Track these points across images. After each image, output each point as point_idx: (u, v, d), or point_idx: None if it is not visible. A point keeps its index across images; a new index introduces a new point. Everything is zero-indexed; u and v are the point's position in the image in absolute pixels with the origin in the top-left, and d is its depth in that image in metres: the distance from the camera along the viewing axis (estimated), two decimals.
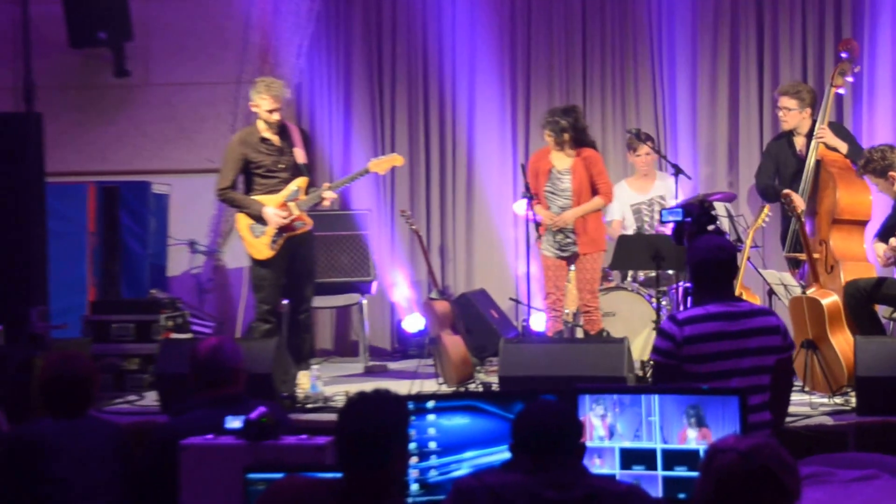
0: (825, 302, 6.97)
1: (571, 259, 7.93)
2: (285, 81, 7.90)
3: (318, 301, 8.45)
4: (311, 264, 7.99)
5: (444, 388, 7.51)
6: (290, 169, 7.76)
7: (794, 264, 7.94)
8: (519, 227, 9.52)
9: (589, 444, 4.15)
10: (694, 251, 5.27)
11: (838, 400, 6.79)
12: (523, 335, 8.68)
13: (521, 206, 8.35)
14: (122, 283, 9.27)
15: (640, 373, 7.33)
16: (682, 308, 7.51)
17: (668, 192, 8.52)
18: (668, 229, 7.42)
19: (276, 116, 7.68)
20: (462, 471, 4.18)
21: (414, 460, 4.16)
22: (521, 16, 9.97)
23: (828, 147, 7.83)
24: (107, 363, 7.83)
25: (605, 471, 4.19)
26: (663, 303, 7.84)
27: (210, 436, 4.46)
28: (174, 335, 8.14)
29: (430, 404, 4.24)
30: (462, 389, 7.43)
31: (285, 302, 7.96)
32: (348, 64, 10.11)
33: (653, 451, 4.18)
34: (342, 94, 10.11)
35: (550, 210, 7.90)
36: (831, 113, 8.21)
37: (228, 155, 7.82)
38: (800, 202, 7.62)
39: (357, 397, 3.59)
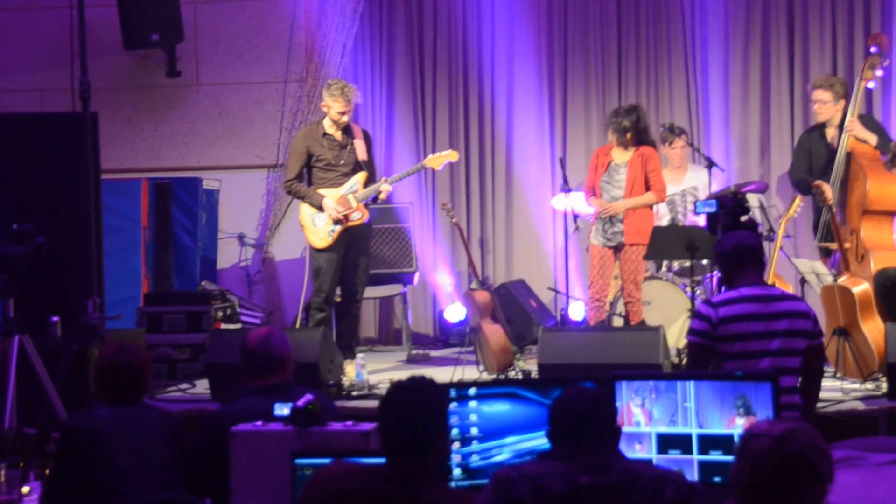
0: (856, 290, 7.01)
1: (617, 249, 8.00)
2: (355, 87, 8.06)
3: (364, 292, 8.56)
4: (365, 257, 8.13)
5: (485, 376, 7.56)
6: (351, 164, 7.97)
7: (825, 253, 7.95)
8: (557, 219, 9.62)
9: (628, 429, 4.22)
10: (720, 245, 5.48)
11: (869, 385, 6.82)
12: (562, 324, 8.71)
13: (559, 201, 8.42)
14: (174, 276, 9.40)
15: (676, 360, 7.36)
16: None
17: (701, 183, 8.58)
18: (701, 220, 7.52)
19: (345, 119, 7.90)
20: (503, 456, 4.25)
21: (456, 446, 4.23)
22: (559, 13, 10.02)
23: (857, 139, 7.80)
24: (160, 353, 7.94)
25: (643, 456, 4.25)
26: (698, 292, 7.86)
27: (259, 423, 4.50)
28: (224, 326, 8.30)
29: (472, 391, 4.29)
30: (502, 377, 7.47)
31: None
32: (390, 61, 10.19)
33: (688, 436, 4.25)
34: (384, 91, 10.19)
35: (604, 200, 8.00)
36: (861, 105, 8.20)
37: (293, 149, 8.11)
38: (830, 193, 7.61)
39: (397, 386, 3.65)
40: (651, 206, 8.11)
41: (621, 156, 8.06)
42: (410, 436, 3.54)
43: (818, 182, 7.72)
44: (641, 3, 9.93)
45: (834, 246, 7.64)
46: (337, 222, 7.88)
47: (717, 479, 4.19)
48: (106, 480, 4.51)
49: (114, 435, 4.58)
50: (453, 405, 4.27)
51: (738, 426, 4.19)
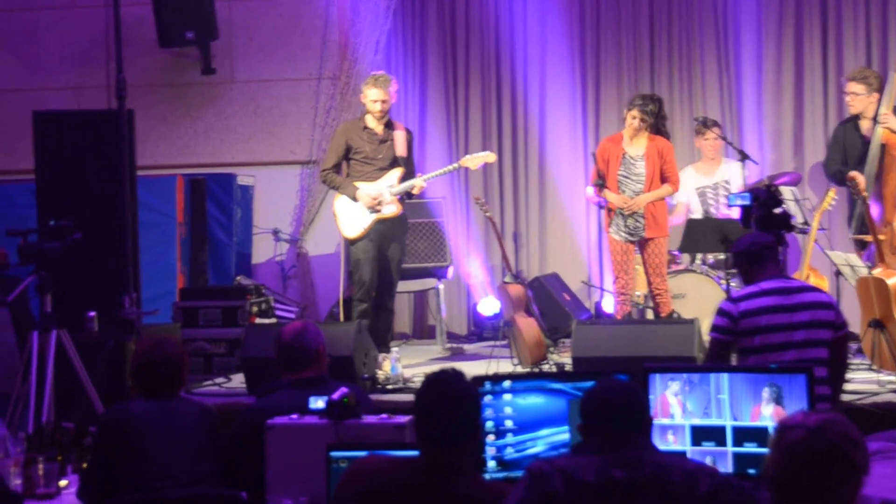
0: (891, 282, 6.95)
1: (640, 243, 7.99)
2: (393, 77, 8.12)
3: (397, 286, 8.54)
4: (399, 251, 8.20)
5: (519, 369, 7.57)
6: (389, 159, 8.05)
7: (860, 245, 7.93)
8: (591, 212, 9.63)
9: (664, 421, 4.26)
10: (735, 246, 5.55)
11: None
12: (596, 317, 8.73)
13: (591, 190, 8.42)
14: (210, 271, 9.49)
15: None
16: None
17: (733, 176, 8.56)
18: (733, 213, 7.51)
19: (379, 107, 7.97)
20: (537, 448, 4.28)
21: (491, 438, 4.27)
22: (591, 8, 10.03)
23: (892, 131, 7.75)
24: (195, 347, 8.01)
25: (676, 447, 4.26)
26: (732, 284, 7.80)
27: (294, 416, 4.52)
28: (259, 320, 8.33)
29: (506, 384, 4.33)
30: (536, 370, 7.48)
31: None
32: (423, 58, 10.23)
33: (722, 428, 4.26)
34: (417, 87, 10.23)
35: (624, 195, 7.97)
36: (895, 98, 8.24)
37: (333, 140, 8.28)
38: (864, 184, 7.56)
39: (430, 379, 3.66)
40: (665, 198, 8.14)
41: (635, 147, 8.01)
42: (443, 428, 3.56)
43: (853, 173, 7.69)
44: None
45: (869, 238, 7.59)
46: (372, 211, 7.92)
47: (751, 471, 4.20)
48: (142, 474, 4.53)
49: (150, 429, 4.60)
50: (488, 398, 4.30)
51: (764, 416, 4.20)
